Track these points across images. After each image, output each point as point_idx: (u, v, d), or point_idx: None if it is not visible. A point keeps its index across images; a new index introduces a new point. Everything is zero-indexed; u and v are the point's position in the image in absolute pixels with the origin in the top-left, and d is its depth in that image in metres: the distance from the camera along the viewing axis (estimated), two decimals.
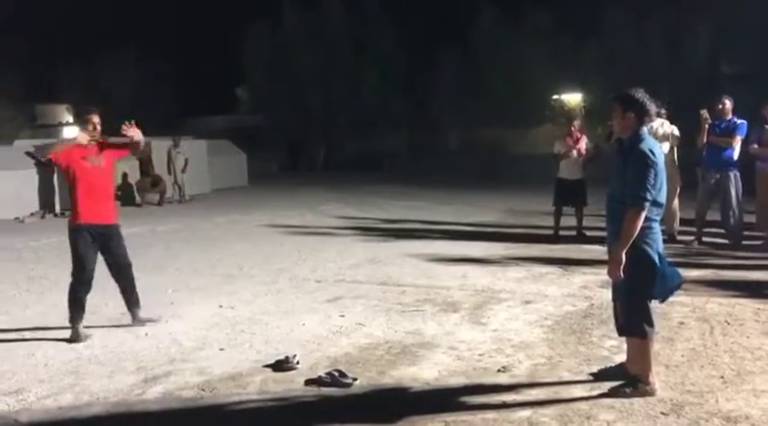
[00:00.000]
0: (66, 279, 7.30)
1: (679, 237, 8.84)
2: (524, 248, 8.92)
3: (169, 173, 16.34)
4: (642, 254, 3.83)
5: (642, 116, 3.90)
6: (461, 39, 26.73)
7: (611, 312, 5.63)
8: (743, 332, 5.07)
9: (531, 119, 25.43)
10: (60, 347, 5.20)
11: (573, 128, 9.64)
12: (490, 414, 3.75)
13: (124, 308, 6.02)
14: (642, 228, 3.80)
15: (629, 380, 3.96)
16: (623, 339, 4.91)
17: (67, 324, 5.45)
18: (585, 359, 4.61)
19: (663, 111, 8.31)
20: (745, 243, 8.45)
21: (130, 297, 5.72)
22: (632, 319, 3.93)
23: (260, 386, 4.32)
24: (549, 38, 24.91)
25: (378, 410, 3.92)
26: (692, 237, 8.73)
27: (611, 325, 5.26)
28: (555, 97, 26.71)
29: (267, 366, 4.65)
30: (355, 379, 4.30)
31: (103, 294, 6.84)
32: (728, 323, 5.28)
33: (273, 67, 28.65)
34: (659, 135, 8.20)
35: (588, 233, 9.33)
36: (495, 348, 4.90)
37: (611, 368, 4.28)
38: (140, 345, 5.21)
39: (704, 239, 8.72)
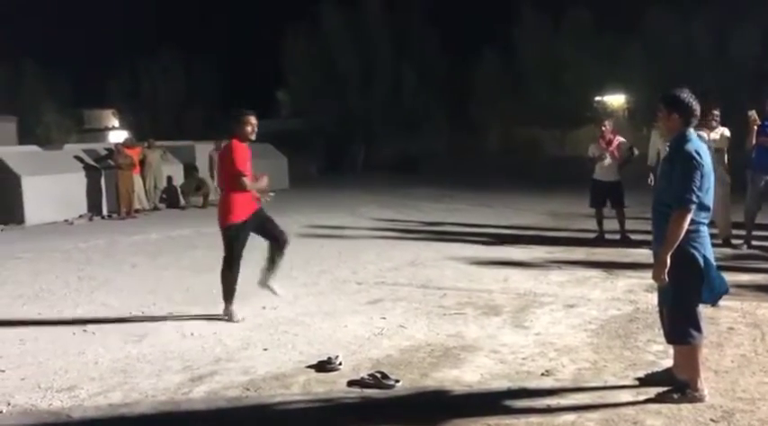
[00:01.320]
0: (114, 279, 7.50)
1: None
2: (567, 251, 8.82)
3: (212, 176, 16.59)
4: (689, 258, 3.75)
5: (688, 117, 3.83)
6: (501, 39, 26.56)
7: (656, 316, 5.54)
8: None
9: (573, 119, 25.13)
10: (110, 345, 5.33)
11: (604, 130, 9.49)
12: (534, 418, 3.72)
13: (171, 308, 6.21)
14: (688, 231, 3.72)
15: (677, 386, 3.89)
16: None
17: (116, 323, 5.60)
18: (631, 363, 4.53)
19: (716, 119, 8.24)
20: None
21: (272, 267, 6.27)
22: (679, 325, 3.84)
23: (303, 387, 4.36)
24: (591, 37, 24.57)
25: (420, 412, 3.93)
26: (741, 241, 8.53)
27: (657, 330, 5.18)
28: (598, 98, 26.34)
29: (310, 366, 4.69)
30: (398, 381, 4.31)
31: (153, 295, 7.02)
32: None
33: (313, 70, 28.92)
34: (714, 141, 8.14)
35: (633, 236, 9.17)
36: (538, 351, 4.85)
37: (658, 372, 4.20)
38: (186, 345, 5.30)
39: (754, 242, 8.50)
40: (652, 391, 3.97)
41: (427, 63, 28.07)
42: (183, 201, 16.33)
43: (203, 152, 17.22)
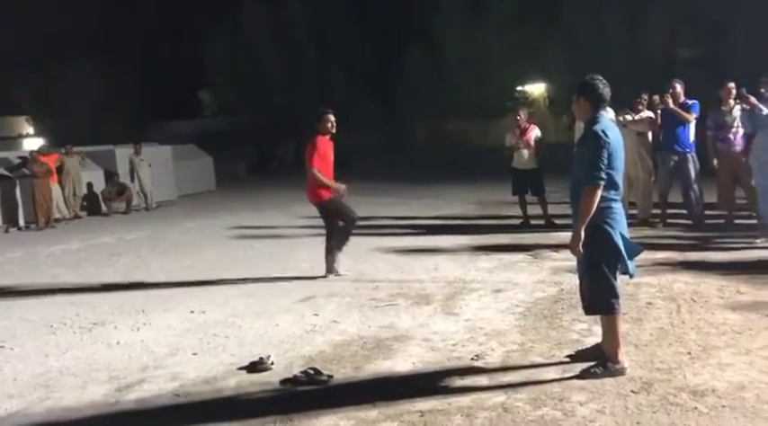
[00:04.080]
0: (34, 291, 7.21)
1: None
2: (494, 238, 9.00)
3: (132, 180, 16.13)
4: (604, 233, 3.92)
5: (596, 101, 4.00)
6: (426, 33, 26.81)
7: (579, 296, 5.76)
8: (708, 308, 5.19)
9: (497, 110, 25.65)
10: (30, 360, 5.11)
11: (519, 119, 9.73)
12: (465, 401, 3.79)
13: (95, 318, 6.04)
14: (601, 209, 3.89)
15: (599, 361, 4.03)
16: (594, 321, 5.01)
17: (36, 337, 5.39)
18: (557, 343, 4.67)
19: (642, 103, 8.65)
20: (707, 222, 8.63)
21: (341, 243, 7.24)
22: (597, 296, 4.01)
23: (235, 389, 4.30)
24: (511, 29, 25.11)
25: (354, 404, 3.92)
26: (657, 220, 8.91)
27: (581, 309, 5.36)
28: (519, 88, 26.97)
29: (241, 368, 4.63)
30: (331, 376, 4.31)
31: (75, 306, 6.76)
32: (694, 301, 5.39)
33: (237, 69, 28.48)
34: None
35: (557, 221, 9.44)
36: (468, 337, 4.94)
37: (587, 349, 4.34)
38: (112, 354, 5.14)
39: (668, 221, 8.89)
40: (577, 368, 4.10)
41: (353, 59, 28.06)
42: (104, 208, 15.80)
43: (124, 157, 16.69)
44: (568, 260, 7.19)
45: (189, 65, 30.98)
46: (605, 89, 3.99)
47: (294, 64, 28.12)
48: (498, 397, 3.81)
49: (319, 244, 9.40)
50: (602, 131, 3.90)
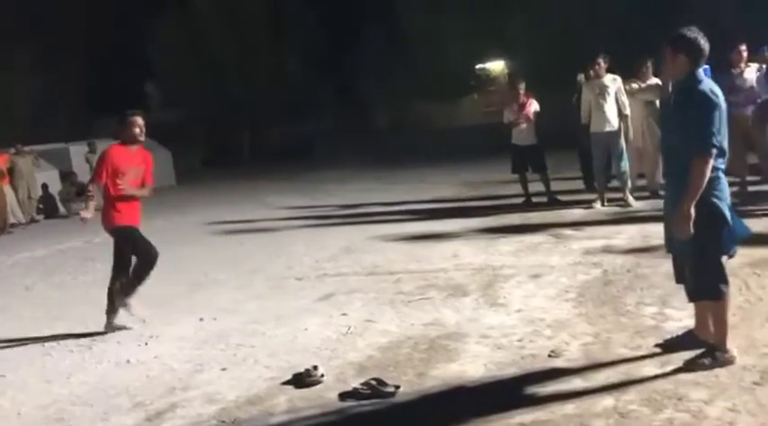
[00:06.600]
0: (9, 306, 6.58)
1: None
2: (500, 219, 8.55)
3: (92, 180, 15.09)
4: (712, 208, 3.47)
5: (696, 57, 3.52)
6: (384, 14, 26.17)
7: (629, 276, 5.37)
8: None
9: (458, 90, 25.31)
10: (30, 389, 4.41)
11: (519, 93, 9.31)
12: (569, 408, 3.31)
13: (93, 333, 5.37)
14: (709, 180, 3.43)
15: (705, 350, 3.60)
16: (663, 303, 4.62)
17: (30, 360, 4.70)
18: (635, 331, 4.23)
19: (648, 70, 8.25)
20: None
21: (130, 289, 5.67)
22: (707, 280, 3.55)
23: (288, 409, 3.72)
24: (470, 6, 24.71)
25: (435, 420, 3.42)
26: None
27: (639, 291, 4.99)
28: (479, 66, 26.63)
29: (286, 382, 4.05)
30: (398, 387, 3.76)
31: (61, 320, 6.04)
32: (758, 275, 5.04)
33: (186, 57, 27.30)
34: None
35: (561, 197, 9.08)
36: (530, 331, 4.46)
37: (678, 337, 3.90)
38: (126, 375, 4.48)
39: None
40: (675, 359, 3.67)
41: (308, 42, 27.19)
42: (63, 210, 14.75)
43: (78, 154, 15.64)
44: (594, 238, 6.84)
45: (132, 53, 29.49)
46: (706, 44, 3.51)
47: (246, 48, 27.08)
48: (605, 400, 3.34)
49: (316, 234, 8.87)
50: (711, 91, 3.42)
